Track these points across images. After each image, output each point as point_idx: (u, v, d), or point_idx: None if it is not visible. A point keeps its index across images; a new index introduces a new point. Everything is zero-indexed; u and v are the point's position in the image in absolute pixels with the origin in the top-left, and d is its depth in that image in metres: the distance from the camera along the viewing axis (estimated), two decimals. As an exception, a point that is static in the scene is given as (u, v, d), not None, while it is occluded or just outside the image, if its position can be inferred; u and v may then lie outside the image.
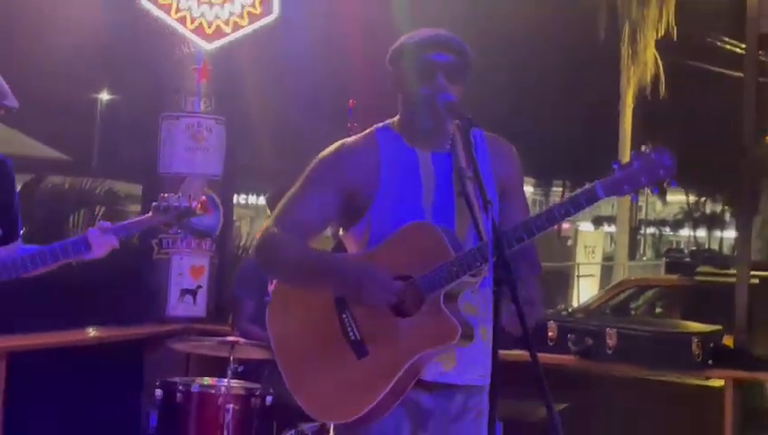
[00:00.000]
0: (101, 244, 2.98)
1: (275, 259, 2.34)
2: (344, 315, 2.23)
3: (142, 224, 3.25)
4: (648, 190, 2.22)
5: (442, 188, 2.20)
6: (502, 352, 1.82)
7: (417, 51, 2.19)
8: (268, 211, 5.48)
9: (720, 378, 4.01)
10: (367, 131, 2.29)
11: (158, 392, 3.86)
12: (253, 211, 9.27)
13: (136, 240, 4.87)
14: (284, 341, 2.31)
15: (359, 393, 2.19)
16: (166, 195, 3.15)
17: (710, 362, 3.93)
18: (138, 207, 5.59)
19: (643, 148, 2.23)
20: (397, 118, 2.26)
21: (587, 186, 2.11)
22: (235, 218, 6.65)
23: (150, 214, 3.13)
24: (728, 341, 4.28)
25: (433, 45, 2.18)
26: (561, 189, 20.26)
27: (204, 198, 3.40)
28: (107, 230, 3.05)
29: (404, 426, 2.21)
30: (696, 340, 3.88)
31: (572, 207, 2.10)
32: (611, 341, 4.06)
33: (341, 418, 2.26)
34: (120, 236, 3.14)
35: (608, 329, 4.11)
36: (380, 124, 2.29)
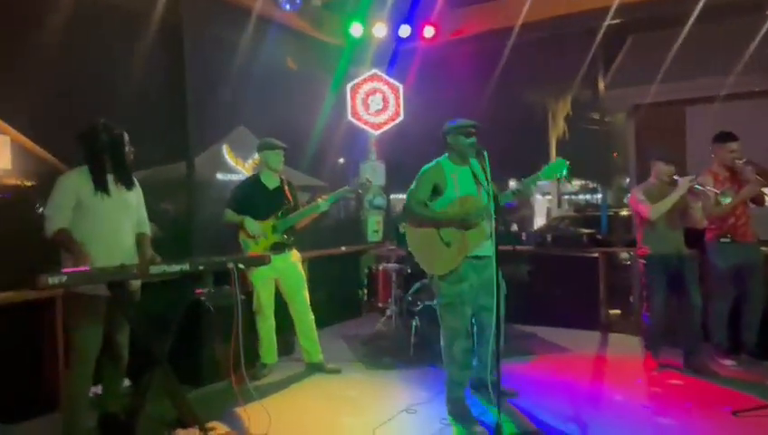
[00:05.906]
0: (326, 204, 4.82)
1: (419, 215, 3.96)
2: (440, 232, 3.89)
3: (346, 191, 5.01)
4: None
5: (467, 181, 4.03)
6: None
7: (460, 127, 4.05)
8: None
9: (596, 253, 6.56)
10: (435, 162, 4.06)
11: (366, 271, 6.40)
12: (401, 201, 13.51)
13: (354, 211, 7.89)
14: (414, 244, 4.02)
15: (449, 262, 3.90)
16: (357, 180, 4.98)
17: (592, 247, 6.63)
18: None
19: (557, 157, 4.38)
20: (447, 154, 4.06)
21: (533, 175, 4.00)
22: (392, 204, 9.09)
23: (347, 187, 4.98)
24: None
25: (467, 125, 4.04)
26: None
27: (370, 182, 5.11)
28: (328, 196, 4.86)
29: (470, 273, 3.93)
30: (585, 237, 6.75)
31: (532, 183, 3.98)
32: (549, 238, 6.70)
33: (441, 271, 3.91)
34: (335, 198, 4.86)
35: (548, 233, 6.83)
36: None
